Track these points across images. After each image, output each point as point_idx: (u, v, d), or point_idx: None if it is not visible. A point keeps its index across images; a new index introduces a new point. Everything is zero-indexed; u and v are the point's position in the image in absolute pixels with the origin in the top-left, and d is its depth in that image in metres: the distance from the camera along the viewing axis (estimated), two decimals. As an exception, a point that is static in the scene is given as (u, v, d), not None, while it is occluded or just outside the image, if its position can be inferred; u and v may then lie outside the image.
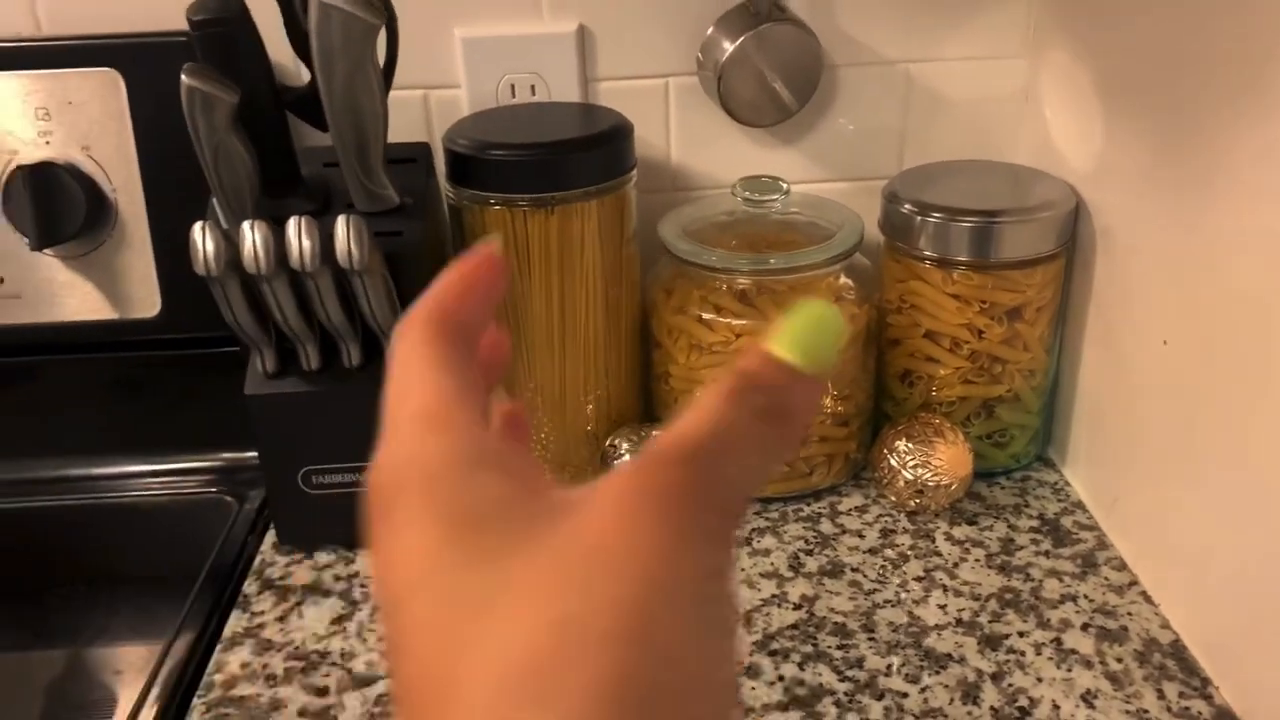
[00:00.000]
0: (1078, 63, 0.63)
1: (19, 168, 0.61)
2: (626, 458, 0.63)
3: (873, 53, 0.69)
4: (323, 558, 0.62)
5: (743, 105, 0.67)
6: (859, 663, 0.53)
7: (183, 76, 0.47)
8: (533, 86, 0.68)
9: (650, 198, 0.68)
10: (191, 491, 0.69)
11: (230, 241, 0.51)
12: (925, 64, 0.69)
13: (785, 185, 0.65)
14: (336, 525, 0.61)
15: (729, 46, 0.65)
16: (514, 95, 0.68)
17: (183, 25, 0.57)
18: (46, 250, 0.62)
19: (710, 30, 0.67)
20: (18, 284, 0.64)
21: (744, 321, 0.62)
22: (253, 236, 0.51)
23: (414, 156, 0.62)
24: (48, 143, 0.62)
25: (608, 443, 0.64)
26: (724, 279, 0.62)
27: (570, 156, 0.60)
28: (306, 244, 0.51)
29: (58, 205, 0.61)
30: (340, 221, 0.51)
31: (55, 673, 0.58)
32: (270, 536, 0.64)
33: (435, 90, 0.68)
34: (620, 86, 0.69)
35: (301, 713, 0.52)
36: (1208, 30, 0.50)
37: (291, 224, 0.51)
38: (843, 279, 0.64)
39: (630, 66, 0.69)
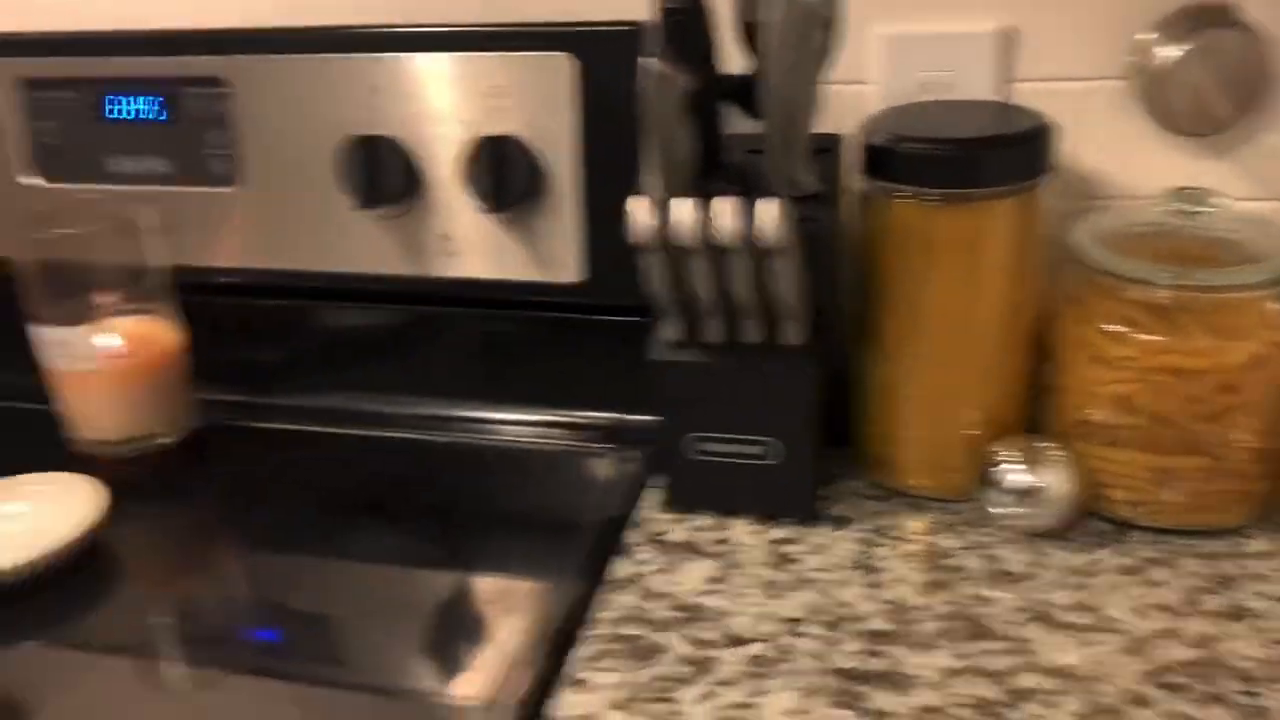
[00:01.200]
0: None
1: (480, 138, 0.68)
2: (1004, 468, 0.62)
3: (1334, 62, 0.63)
4: (700, 520, 0.66)
5: (1176, 114, 0.64)
6: (1266, 713, 0.49)
7: (645, 60, 0.52)
8: (948, 84, 0.68)
9: (1062, 203, 0.66)
10: (583, 445, 0.74)
11: (663, 216, 0.55)
12: (1398, 76, 0.63)
13: (1220, 199, 0.61)
14: (716, 491, 0.65)
15: (1168, 51, 0.62)
16: (927, 93, 0.68)
17: (628, 16, 0.63)
18: (491, 214, 0.70)
19: (1146, 34, 0.64)
20: (460, 242, 0.72)
21: (1158, 338, 0.58)
22: (685, 213, 0.54)
23: (828, 146, 0.64)
24: (500, 118, 0.69)
25: (988, 450, 0.63)
26: (1140, 291, 0.59)
27: (986, 154, 0.60)
28: (733, 223, 0.54)
29: (506, 174, 0.68)
30: (765, 204, 0.54)
31: (454, 593, 0.64)
32: (652, 495, 0.68)
33: (847, 85, 0.69)
34: (1040, 88, 0.67)
35: (682, 660, 0.55)
36: None
37: (720, 203, 0.54)
38: (1274, 304, 0.59)
39: (1052, 68, 0.67)
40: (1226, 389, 0.58)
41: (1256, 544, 0.60)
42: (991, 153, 0.60)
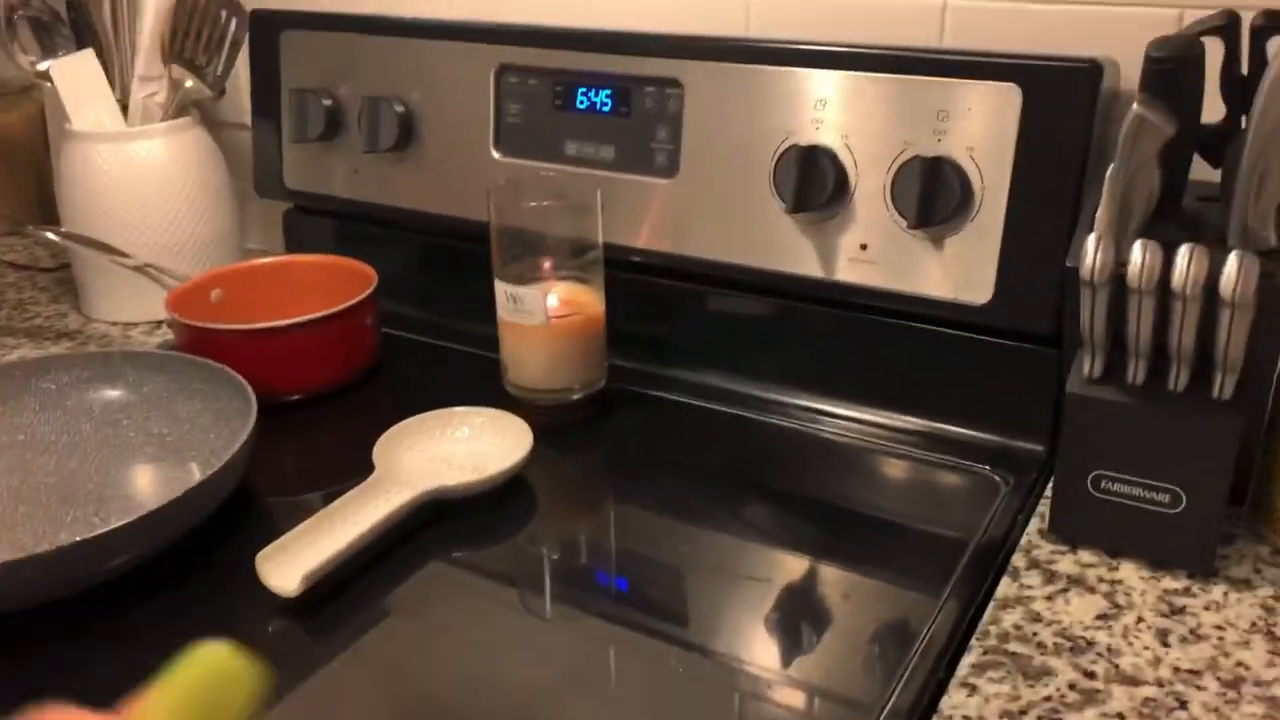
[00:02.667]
0: None
1: (914, 158, 0.72)
2: None
3: None
4: (1086, 555, 0.66)
5: None
6: None
7: (1134, 105, 0.53)
8: None
9: None
10: (963, 463, 0.76)
11: (1115, 253, 0.56)
12: None
13: None
14: (1109, 530, 0.65)
15: None
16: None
17: (1080, 51, 0.64)
18: (914, 230, 0.73)
19: None
20: (878, 253, 0.76)
21: None
22: (1143, 254, 0.55)
23: (1289, 204, 0.62)
24: (939, 140, 0.72)
25: None
26: None
27: None
28: (1195, 271, 0.54)
29: (936, 194, 0.71)
30: (1234, 255, 0.54)
31: (812, 583, 0.67)
32: (1034, 523, 0.70)
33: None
34: None
35: (1071, 686, 0.56)
36: None
37: (1184, 250, 0.55)
38: None
39: None
40: None
41: None
42: None
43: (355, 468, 0.71)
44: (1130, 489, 0.64)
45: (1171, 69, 0.54)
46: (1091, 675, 0.57)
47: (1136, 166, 0.55)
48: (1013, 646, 0.59)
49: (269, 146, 1.03)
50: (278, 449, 0.80)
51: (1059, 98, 0.68)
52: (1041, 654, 0.59)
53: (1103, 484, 0.65)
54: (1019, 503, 0.72)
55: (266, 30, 1.01)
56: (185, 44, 1.01)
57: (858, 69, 0.75)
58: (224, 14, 1.00)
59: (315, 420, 0.85)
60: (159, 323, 1.02)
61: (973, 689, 0.56)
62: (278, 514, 0.72)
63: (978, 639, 0.60)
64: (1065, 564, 0.66)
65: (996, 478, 0.74)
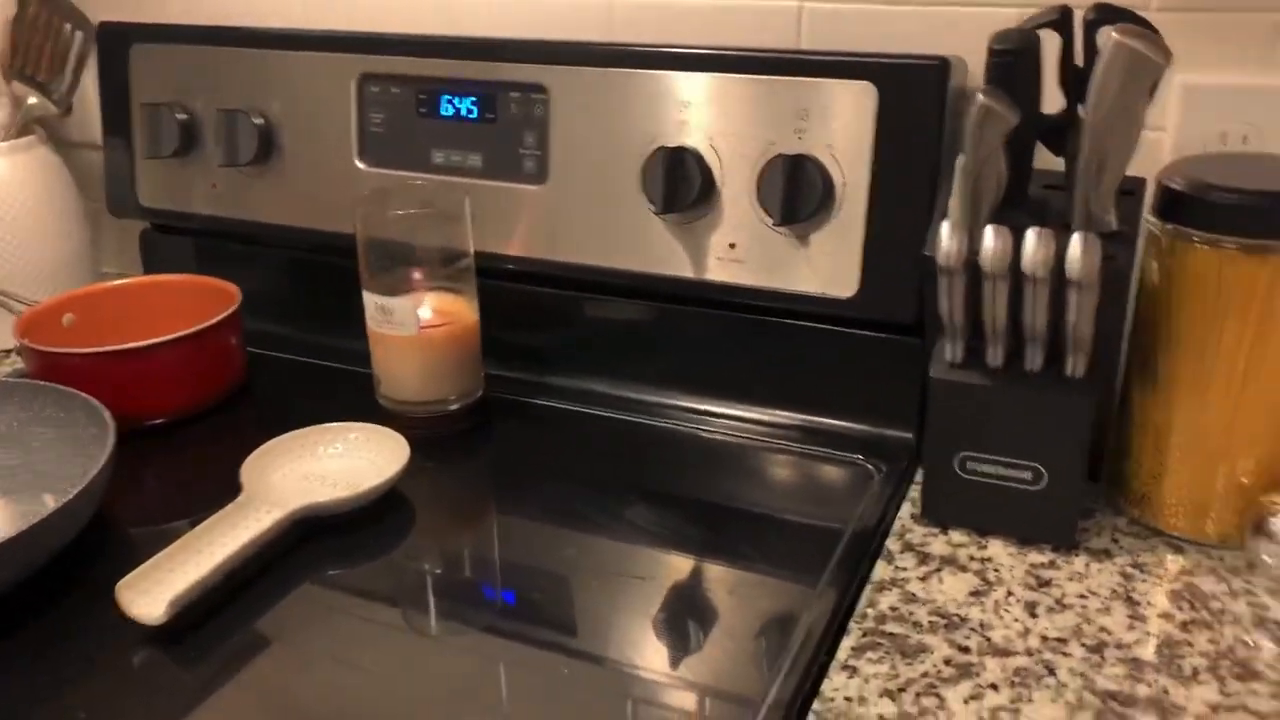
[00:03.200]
0: None
1: (777, 156, 0.73)
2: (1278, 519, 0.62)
3: None
4: (957, 536, 0.69)
5: None
6: None
7: (979, 95, 0.55)
8: (1245, 137, 0.69)
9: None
10: (837, 454, 0.78)
11: (972, 241, 0.58)
12: None
13: None
14: (977, 510, 0.68)
15: None
16: (1226, 144, 0.69)
17: (929, 50, 0.67)
18: (780, 228, 0.75)
19: None
20: (746, 251, 0.77)
21: None
22: (994, 239, 0.58)
23: (1131, 189, 0.66)
24: (800, 138, 0.74)
25: (1263, 499, 0.64)
26: None
27: (1291, 208, 0.61)
28: (1043, 254, 0.57)
29: (799, 191, 0.73)
30: (1078, 237, 0.56)
31: (698, 581, 0.68)
32: (907, 508, 0.72)
33: (1147, 132, 0.71)
34: (1347, 147, 0.67)
35: (947, 661, 0.58)
36: None
37: (1031, 233, 0.57)
38: None
39: (1362, 128, 0.67)
40: None
41: None
42: (1297, 206, 0.60)
43: (223, 491, 0.69)
44: (995, 469, 0.66)
45: (1010, 60, 0.56)
46: (966, 649, 0.59)
47: (984, 155, 0.57)
48: (890, 627, 0.61)
49: (121, 164, 1.00)
50: (141, 475, 0.77)
51: (911, 95, 0.71)
52: (918, 632, 0.60)
53: (968, 465, 0.67)
54: (891, 489, 0.73)
55: (115, 43, 0.97)
56: (27, 60, 0.97)
57: (720, 71, 0.76)
58: (68, 28, 0.97)
59: (180, 444, 0.82)
60: (8, 351, 0.97)
61: (853, 671, 0.57)
62: (141, 542, 0.69)
63: (856, 622, 0.61)
64: (937, 545, 0.68)
65: (870, 466, 0.76)
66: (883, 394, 0.78)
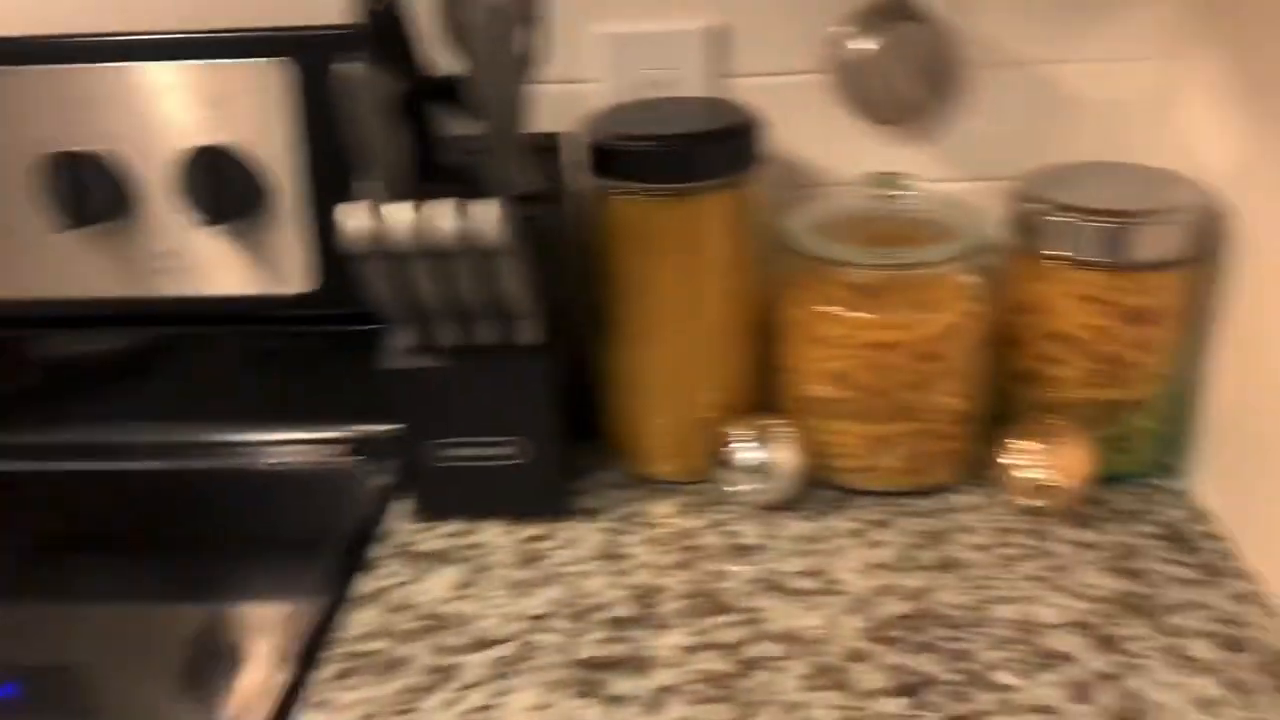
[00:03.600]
0: (1222, 64, 0.62)
1: (190, 149, 0.65)
2: (736, 447, 0.65)
3: (1007, 53, 0.68)
4: (449, 528, 0.65)
5: (873, 103, 0.68)
6: (968, 655, 0.53)
7: (339, 63, 0.51)
8: (671, 81, 0.70)
9: (778, 193, 0.70)
10: (329, 460, 0.72)
11: (378, 221, 0.54)
12: (1061, 65, 0.69)
13: (913, 182, 0.65)
14: (466, 497, 0.65)
15: (861, 45, 0.66)
16: (654, 90, 0.70)
17: (338, 20, 0.62)
18: (211, 227, 0.67)
19: (842, 28, 0.68)
20: (178, 258, 0.69)
21: (864, 315, 0.62)
22: (400, 217, 0.54)
23: (549, 145, 0.65)
24: (212, 128, 0.66)
25: (722, 431, 0.66)
26: (846, 273, 0.63)
27: (700, 149, 0.62)
28: (450, 225, 0.54)
29: (222, 186, 0.66)
30: (482, 204, 0.54)
31: (198, 626, 0.62)
32: (400, 505, 0.67)
33: (569, 84, 0.70)
34: (753, 83, 0.70)
35: (427, 670, 0.54)
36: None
37: (435, 205, 0.54)
38: (967, 277, 0.64)
39: (762, 63, 0.70)
40: (928, 358, 0.62)
41: (963, 499, 0.65)
42: (702, 148, 0.62)
43: None
44: (472, 450, 0.64)
45: (380, 21, 0.52)
46: (448, 650, 0.56)
47: (373, 127, 0.53)
48: (369, 645, 0.56)
49: None
50: None
51: (322, 69, 0.65)
52: (398, 644, 0.56)
53: (445, 452, 0.64)
54: (384, 491, 0.69)
55: None
56: None
57: (114, 60, 0.66)
58: None
59: None
60: None
61: (325, 704, 0.52)
62: None
63: (335, 648, 0.56)
64: (429, 542, 0.64)
65: (366, 469, 0.71)
66: (363, 389, 0.72)
